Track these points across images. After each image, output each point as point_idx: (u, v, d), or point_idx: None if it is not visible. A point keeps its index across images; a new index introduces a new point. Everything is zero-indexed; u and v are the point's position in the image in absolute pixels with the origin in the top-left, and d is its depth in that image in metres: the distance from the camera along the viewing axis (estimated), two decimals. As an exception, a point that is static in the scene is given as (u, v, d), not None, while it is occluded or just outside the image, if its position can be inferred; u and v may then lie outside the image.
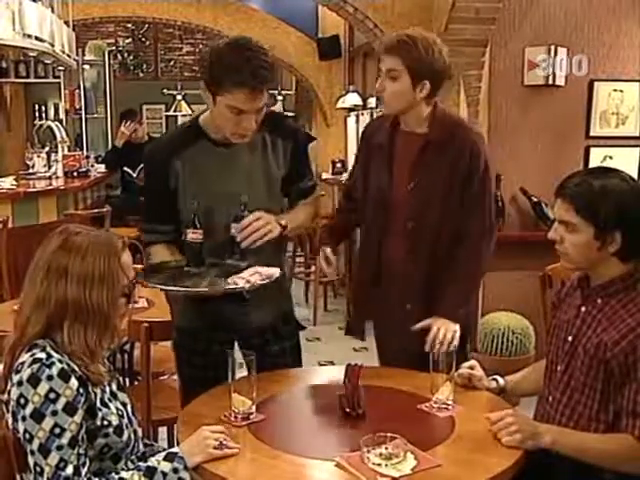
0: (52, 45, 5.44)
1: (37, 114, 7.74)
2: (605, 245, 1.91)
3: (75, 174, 6.03)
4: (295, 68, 7.15)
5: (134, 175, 6.74)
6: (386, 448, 1.70)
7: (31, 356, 1.65)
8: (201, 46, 11.37)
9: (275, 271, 2.21)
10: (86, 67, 7.74)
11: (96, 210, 5.36)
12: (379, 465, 1.67)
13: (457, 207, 2.41)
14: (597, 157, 4.68)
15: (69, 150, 6.53)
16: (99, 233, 1.80)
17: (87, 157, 6.38)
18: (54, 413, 1.60)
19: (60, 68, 6.29)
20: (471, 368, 2.19)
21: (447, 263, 2.44)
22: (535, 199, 4.57)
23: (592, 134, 4.65)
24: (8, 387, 1.68)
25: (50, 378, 1.62)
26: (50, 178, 6.02)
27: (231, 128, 2.20)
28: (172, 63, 11.18)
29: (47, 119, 7.72)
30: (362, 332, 3.09)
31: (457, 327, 2.39)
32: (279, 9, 7.20)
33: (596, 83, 4.56)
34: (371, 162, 2.54)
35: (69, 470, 1.61)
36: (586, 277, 2.02)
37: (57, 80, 7.37)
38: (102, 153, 7.19)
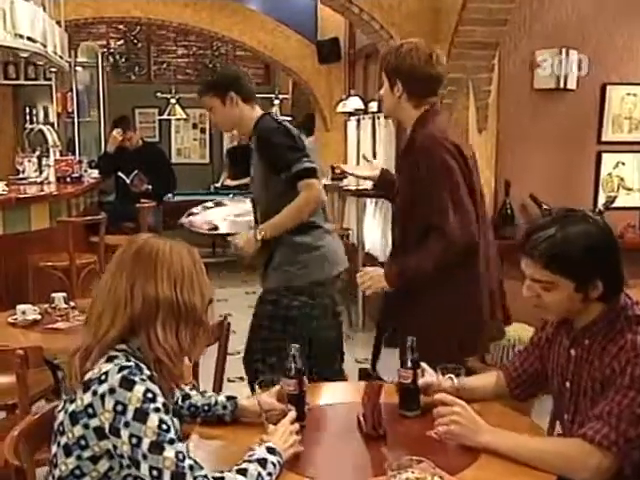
0: (44, 46, 5.26)
1: (28, 117, 7.52)
2: (587, 294, 1.83)
3: (68, 179, 5.84)
4: (294, 71, 6.99)
5: (128, 181, 6.57)
6: (412, 472, 1.58)
7: (116, 365, 1.57)
8: (195, 49, 11.21)
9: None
10: (79, 69, 7.56)
11: (90, 217, 5.17)
12: (406, 490, 1.54)
13: (417, 207, 2.54)
14: (609, 163, 4.55)
15: (61, 155, 6.34)
16: (169, 239, 1.76)
17: (80, 162, 6.19)
18: (156, 410, 1.54)
19: (52, 70, 6.10)
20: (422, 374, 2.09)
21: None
22: (545, 206, 4.43)
23: (604, 139, 4.52)
24: (80, 394, 1.58)
25: (143, 380, 1.56)
26: (42, 183, 5.84)
27: None
28: (165, 66, 10.99)
29: (37, 122, 7.53)
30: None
31: (385, 285, 2.60)
32: (278, 11, 7.05)
33: (609, 87, 4.43)
34: None
35: (188, 461, 1.53)
36: (568, 320, 1.94)
37: (48, 82, 7.19)
38: (95, 158, 7.01)
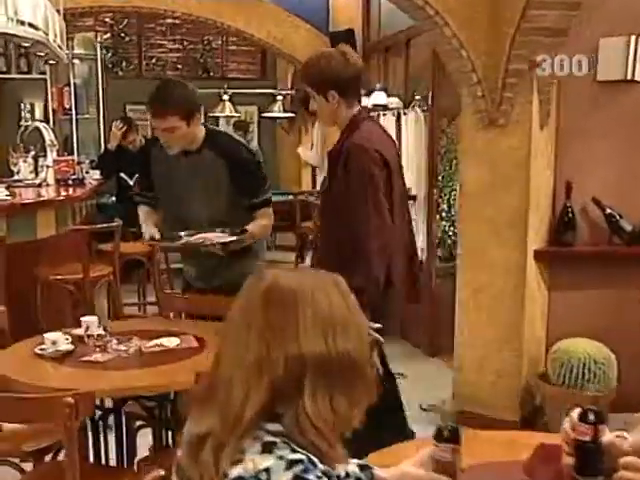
0: (46, 34, 4.75)
1: (23, 114, 6.93)
2: None
3: (69, 182, 5.33)
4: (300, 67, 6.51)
5: (131, 183, 6.09)
6: None
7: (280, 459, 1.14)
8: (185, 43, 10.67)
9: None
10: (76, 62, 7.00)
11: (104, 225, 4.67)
12: None
13: (337, 207, 2.82)
14: (679, 162, 4.17)
15: (58, 155, 5.81)
16: (304, 271, 1.30)
17: (80, 162, 5.68)
18: None
19: (51, 62, 5.57)
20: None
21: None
22: (609, 210, 4.05)
23: (676, 136, 4.14)
24: None
25: (320, 478, 1.16)
26: (40, 186, 5.31)
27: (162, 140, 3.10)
28: (154, 61, 10.44)
29: (30, 120, 6.96)
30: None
31: None
32: (287, 0, 6.59)
33: (682, 78, 4.05)
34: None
35: None
36: None
37: (42, 76, 6.64)
38: (94, 158, 6.49)
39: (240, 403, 1.20)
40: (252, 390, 1.20)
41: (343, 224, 2.79)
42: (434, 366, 5.20)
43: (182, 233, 3.13)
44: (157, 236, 3.13)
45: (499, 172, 3.98)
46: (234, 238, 3.03)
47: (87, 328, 2.73)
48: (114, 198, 6.63)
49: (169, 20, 10.40)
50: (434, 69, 5.10)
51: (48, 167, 5.48)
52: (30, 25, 4.46)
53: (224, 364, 1.26)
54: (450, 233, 5.37)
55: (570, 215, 4.09)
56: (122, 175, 6.07)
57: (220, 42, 10.58)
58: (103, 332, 2.72)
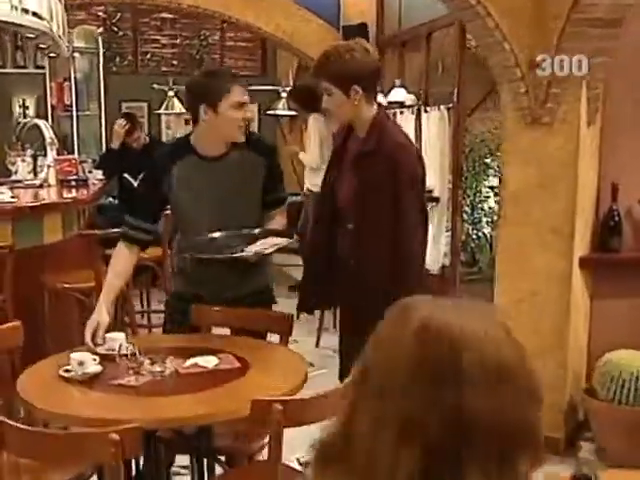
0: (50, 25, 4.44)
1: (17, 110, 6.57)
2: None
3: (73, 182, 5.01)
4: (315, 60, 6.22)
5: (135, 184, 5.79)
6: None
7: None
8: (180, 39, 10.33)
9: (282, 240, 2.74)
10: (76, 55, 6.65)
11: (116, 230, 4.34)
12: None
13: (386, 213, 2.64)
14: None
15: (58, 153, 5.49)
16: (462, 303, 1.04)
17: (83, 162, 5.36)
18: None
19: (52, 55, 5.24)
20: None
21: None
22: (658, 214, 3.82)
23: None
24: None
25: None
26: (41, 187, 4.98)
27: (238, 124, 2.73)
28: (149, 57, 10.09)
29: (20, 116, 6.63)
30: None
31: None
32: (296, -8, 6.30)
33: None
34: (329, 165, 2.91)
35: None
36: None
37: (41, 71, 6.29)
38: (96, 157, 6.16)
39: (387, 473, 0.93)
40: (402, 457, 0.92)
41: (383, 224, 2.68)
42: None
43: (216, 235, 2.78)
44: (99, 340, 2.59)
45: (545, 173, 3.73)
46: (291, 240, 2.82)
47: (120, 347, 2.44)
48: (111, 199, 6.30)
49: (164, 14, 10.12)
50: (461, 63, 4.85)
51: (49, 167, 5.15)
52: (34, 14, 4.15)
53: (362, 420, 0.98)
54: (474, 236, 5.12)
55: (616, 219, 3.86)
56: (125, 176, 5.76)
57: (217, 37, 10.28)
58: (136, 351, 2.43)
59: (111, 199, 6.13)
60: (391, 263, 2.66)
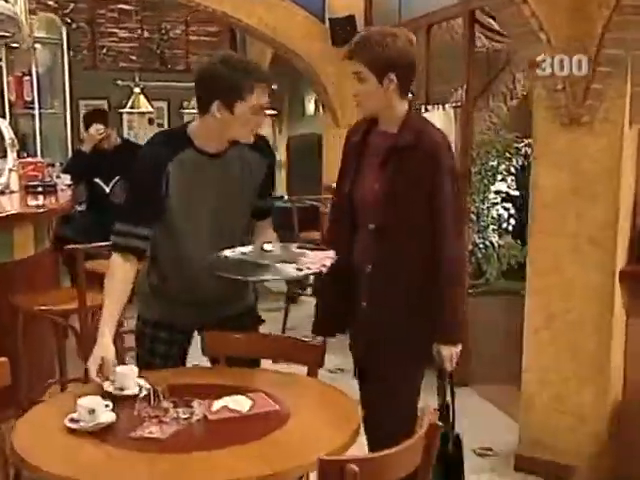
0: (13, 8, 3.91)
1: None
2: None
3: (39, 189, 4.47)
4: (300, 55, 5.81)
5: (107, 189, 5.28)
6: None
7: None
8: (139, 32, 9.75)
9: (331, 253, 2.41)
10: (37, 46, 6.04)
11: (104, 243, 3.83)
12: None
13: (420, 211, 2.46)
14: None
15: (18, 156, 4.93)
16: None
17: (51, 165, 4.81)
18: None
19: (13, 45, 4.66)
20: None
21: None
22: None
23: None
24: None
25: None
26: (2, 193, 4.43)
27: (251, 128, 2.40)
28: (105, 51, 9.47)
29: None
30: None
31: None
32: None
33: None
34: (346, 161, 2.62)
35: None
36: None
37: (-4, 63, 5.69)
38: (62, 160, 5.60)
39: None
40: None
41: (415, 222, 2.50)
42: (469, 398, 4.57)
43: (227, 253, 2.43)
44: (110, 377, 2.16)
45: (581, 178, 3.38)
46: (330, 254, 2.42)
47: (140, 389, 1.98)
48: (78, 206, 5.76)
49: (122, 5, 9.54)
50: (469, 58, 4.48)
51: (10, 170, 4.60)
52: (-2, -3, 3.62)
53: None
54: (481, 246, 4.76)
55: (653, 226, 3.53)
56: (97, 180, 5.24)
57: (179, 31, 9.75)
58: (160, 394, 1.98)
59: (78, 206, 5.57)
60: (431, 263, 2.47)
